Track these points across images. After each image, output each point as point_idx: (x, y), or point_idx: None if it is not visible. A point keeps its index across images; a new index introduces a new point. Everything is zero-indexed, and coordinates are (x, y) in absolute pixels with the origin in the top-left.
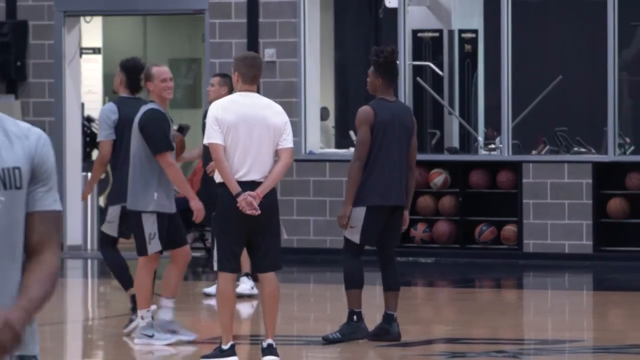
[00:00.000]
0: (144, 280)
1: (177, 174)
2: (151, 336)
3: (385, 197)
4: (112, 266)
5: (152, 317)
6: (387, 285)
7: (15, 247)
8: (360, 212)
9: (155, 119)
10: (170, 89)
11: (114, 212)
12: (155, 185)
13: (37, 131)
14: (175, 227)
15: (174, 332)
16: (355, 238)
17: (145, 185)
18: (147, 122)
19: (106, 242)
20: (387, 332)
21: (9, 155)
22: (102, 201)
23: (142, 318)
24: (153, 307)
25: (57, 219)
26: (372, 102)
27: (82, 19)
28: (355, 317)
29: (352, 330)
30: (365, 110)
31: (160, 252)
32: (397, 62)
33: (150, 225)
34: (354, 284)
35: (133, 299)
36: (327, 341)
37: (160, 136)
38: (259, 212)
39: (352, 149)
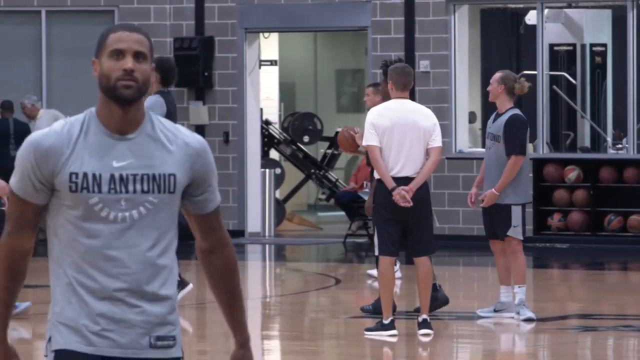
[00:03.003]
0: (522, 261)
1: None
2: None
3: None
4: None
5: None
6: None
7: (160, 243)
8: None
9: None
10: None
11: None
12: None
13: (197, 140)
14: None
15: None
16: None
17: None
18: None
19: None
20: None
21: (167, 162)
22: (278, 194)
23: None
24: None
25: (218, 211)
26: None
27: (261, 35)
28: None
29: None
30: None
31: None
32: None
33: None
34: None
35: None
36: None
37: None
38: (412, 204)
39: None
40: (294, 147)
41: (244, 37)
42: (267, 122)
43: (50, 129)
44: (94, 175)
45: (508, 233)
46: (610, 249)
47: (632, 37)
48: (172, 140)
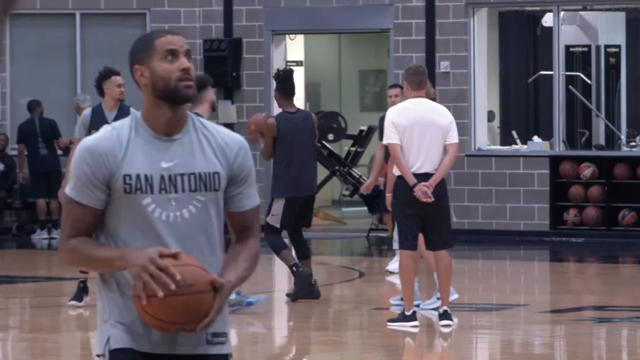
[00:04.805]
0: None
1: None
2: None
3: (298, 190)
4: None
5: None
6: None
7: (210, 240)
8: (280, 204)
9: None
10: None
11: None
12: None
13: (237, 140)
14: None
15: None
16: (277, 224)
17: None
18: None
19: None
20: (311, 292)
21: (211, 161)
22: None
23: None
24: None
25: (255, 212)
26: (275, 115)
27: (287, 36)
28: (295, 268)
29: (301, 279)
30: (270, 122)
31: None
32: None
33: None
34: (281, 247)
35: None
36: (292, 299)
37: None
38: (433, 199)
39: (514, 147)
40: (318, 144)
41: (271, 39)
42: None
43: (101, 134)
44: (146, 177)
45: None
46: (624, 243)
47: None
48: (212, 139)
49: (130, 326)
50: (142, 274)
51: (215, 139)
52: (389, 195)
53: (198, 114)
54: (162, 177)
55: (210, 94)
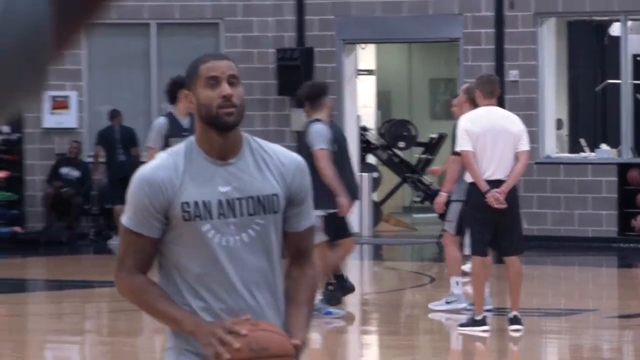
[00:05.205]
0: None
1: None
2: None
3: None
4: None
5: None
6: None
7: (271, 262)
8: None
9: None
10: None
11: None
12: None
13: (294, 159)
14: None
15: None
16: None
17: None
18: None
19: None
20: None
21: (268, 182)
22: (375, 197)
23: None
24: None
25: (311, 232)
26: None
27: (358, 46)
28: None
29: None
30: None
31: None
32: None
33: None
34: None
35: None
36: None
37: None
38: (506, 205)
39: (582, 154)
40: (390, 152)
41: (342, 48)
42: (364, 129)
43: (157, 162)
44: (204, 203)
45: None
46: None
47: None
48: (269, 160)
49: (196, 352)
50: (211, 339)
51: (273, 160)
52: (443, 194)
53: (319, 120)
54: (220, 202)
55: (329, 100)
